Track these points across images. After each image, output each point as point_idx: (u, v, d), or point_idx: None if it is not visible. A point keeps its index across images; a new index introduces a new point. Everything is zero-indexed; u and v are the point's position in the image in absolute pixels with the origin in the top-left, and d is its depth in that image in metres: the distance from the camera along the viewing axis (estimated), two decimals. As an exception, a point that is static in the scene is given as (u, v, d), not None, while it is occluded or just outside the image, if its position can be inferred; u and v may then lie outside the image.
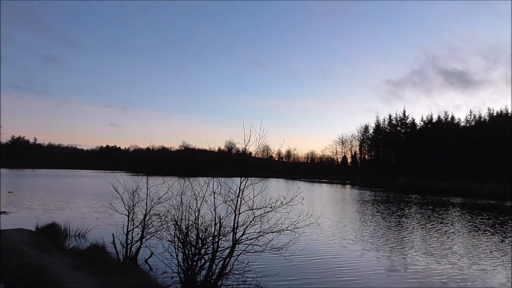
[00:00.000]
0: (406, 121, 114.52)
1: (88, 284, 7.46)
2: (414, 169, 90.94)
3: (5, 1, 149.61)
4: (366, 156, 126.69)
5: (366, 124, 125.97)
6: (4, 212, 20.66)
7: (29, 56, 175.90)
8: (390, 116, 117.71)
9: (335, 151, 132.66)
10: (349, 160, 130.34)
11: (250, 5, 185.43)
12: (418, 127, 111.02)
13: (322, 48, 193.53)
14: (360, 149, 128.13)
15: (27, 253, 9.74)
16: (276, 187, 51.45)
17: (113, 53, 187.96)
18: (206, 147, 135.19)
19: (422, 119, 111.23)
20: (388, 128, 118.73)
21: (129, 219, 11.16)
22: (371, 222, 22.19)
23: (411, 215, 26.25)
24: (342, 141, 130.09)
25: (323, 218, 21.96)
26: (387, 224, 21.64)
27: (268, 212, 9.21)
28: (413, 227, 20.82)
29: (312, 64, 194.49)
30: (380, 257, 13.55)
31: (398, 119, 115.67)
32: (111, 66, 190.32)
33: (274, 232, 9.17)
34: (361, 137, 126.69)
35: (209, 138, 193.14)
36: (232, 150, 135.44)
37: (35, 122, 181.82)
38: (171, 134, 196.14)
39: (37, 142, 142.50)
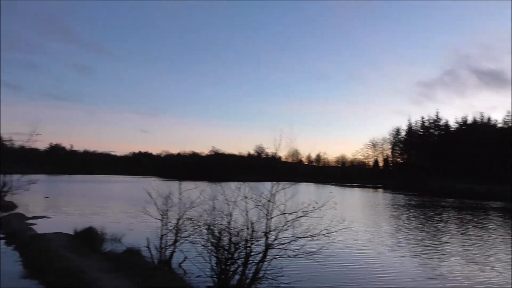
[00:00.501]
0: (439, 123, 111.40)
1: (124, 287, 7.62)
2: (449, 172, 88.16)
3: (38, 13, 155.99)
4: (398, 159, 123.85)
5: (397, 127, 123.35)
6: (44, 217, 21.44)
7: (63, 66, 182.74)
8: (422, 118, 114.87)
9: (366, 154, 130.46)
10: (380, 164, 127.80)
11: (275, 9, 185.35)
12: (452, 129, 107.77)
13: (349, 50, 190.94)
14: (392, 152, 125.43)
15: (66, 256, 10.05)
16: (307, 191, 51.05)
17: (141, 60, 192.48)
18: (236, 152, 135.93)
19: (456, 120, 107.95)
20: (421, 130, 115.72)
21: (163, 223, 11.33)
22: (408, 228, 21.62)
23: (449, 220, 25.43)
24: (374, 144, 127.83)
25: (357, 223, 21.57)
26: (425, 229, 21.01)
27: (300, 216, 9.14)
28: (453, 232, 20.14)
29: (339, 67, 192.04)
30: (419, 264, 13.12)
31: (431, 121, 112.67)
32: (140, 73, 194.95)
33: (307, 237, 9.08)
34: (393, 140, 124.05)
35: (238, 143, 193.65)
36: (262, 154, 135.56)
37: (70, 130, 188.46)
38: (200, 140, 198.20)
39: (73, 148, 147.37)
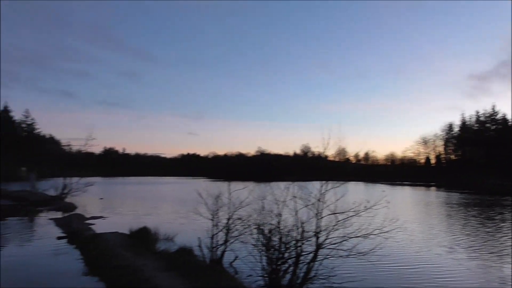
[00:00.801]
0: (496, 117, 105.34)
1: (178, 285, 7.84)
2: (506, 169, 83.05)
3: (88, 23, 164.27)
4: (452, 156, 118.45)
5: (450, 123, 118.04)
6: (101, 217, 22.51)
7: (112, 73, 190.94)
8: (477, 112, 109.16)
9: (417, 151, 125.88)
10: (432, 161, 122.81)
11: (318, 8, 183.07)
12: (510, 123, 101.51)
13: (395, 46, 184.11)
14: (444, 148, 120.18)
15: (123, 255, 10.49)
16: (356, 190, 50.06)
17: (186, 65, 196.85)
18: (281, 152, 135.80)
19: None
20: (476, 125, 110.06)
21: (213, 223, 11.55)
22: (465, 228, 20.60)
23: (507, 220, 23.97)
24: (425, 141, 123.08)
25: (410, 222, 20.86)
26: (487, 230, 19.91)
27: (351, 216, 8.99)
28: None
29: (385, 64, 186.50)
30: (479, 266, 12.47)
31: (487, 115, 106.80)
32: (185, 77, 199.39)
33: (359, 236, 8.91)
34: (445, 136, 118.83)
35: (284, 143, 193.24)
36: (308, 154, 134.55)
37: (122, 134, 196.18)
38: (246, 140, 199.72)
39: (125, 152, 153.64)
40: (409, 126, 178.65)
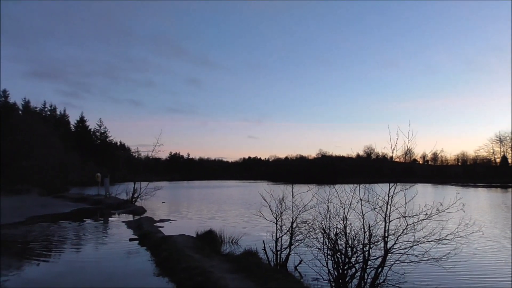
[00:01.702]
0: None
1: (246, 287, 7.92)
2: None
3: (153, 35, 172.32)
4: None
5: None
6: (169, 220, 23.43)
7: (176, 81, 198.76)
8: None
9: (491, 150, 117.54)
10: (510, 160, 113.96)
11: (377, 4, 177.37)
12: None
13: (465, 37, 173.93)
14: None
15: (192, 257, 10.81)
16: (426, 193, 47.68)
17: (245, 69, 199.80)
18: (344, 154, 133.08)
19: None
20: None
21: (278, 226, 11.55)
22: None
23: None
24: (500, 138, 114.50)
25: (488, 227, 19.45)
26: None
27: (422, 220, 8.56)
28: None
29: (454, 57, 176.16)
30: None
31: None
32: (245, 82, 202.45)
33: (431, 241, 8.47)
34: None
35: (346, 145, 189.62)
36: (372, 155, 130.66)
37: (186, 139, 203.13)
38: (307, 143, 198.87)
39: (190, 157, 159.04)
40: (481, 123, 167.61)
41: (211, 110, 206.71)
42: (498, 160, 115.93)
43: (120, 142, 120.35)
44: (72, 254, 13.92)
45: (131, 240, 16.05)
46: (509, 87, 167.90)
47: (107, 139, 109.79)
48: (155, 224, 20.92)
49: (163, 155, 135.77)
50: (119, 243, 15.53)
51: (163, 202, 35.04)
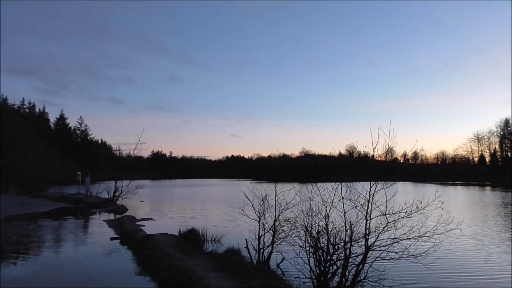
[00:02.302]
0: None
1: (228, 286, 7.92)
2: None
3: (132, 31, 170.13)
4: (509, 154, 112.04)
5: (506, 118, 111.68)
6: (151, 219, 23.24)
7: (156, 78, 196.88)
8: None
9: (470, 149, 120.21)
10: (487, 159, 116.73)
11: (360, 4, 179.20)
12: None
13: (444, 37, 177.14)
14: (500, 146, 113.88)
15: (174, 256, 10.75)
16: (406, 191, 48.47)
17: (227, 67, 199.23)
18: (326, 152, 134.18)
19: None
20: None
21: (260, 224, 11.58)
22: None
23: None
24: (478, 138, 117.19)
25: (466, 224, 19.88)
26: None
27: (402, 217, 8.71)
28: None
29: (433, 56, 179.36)
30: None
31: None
32: (227, 79, 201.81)
33: (411, 238, 8.61)
34: (501, 133, 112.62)
35: (328, 143, 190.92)
36: (353, 154, 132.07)
37: (168, 138, 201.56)
38: (290, 141, 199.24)
39: (173, 155, 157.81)
40: (460, 122, 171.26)
41: (193, 108, 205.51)
42: (476, 159, 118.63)
43: (102, 140, 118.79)
44: (51, 254, 13.66)
45: (112, 239, 15.87)
46: (484, 87, 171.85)
47: (88, 137, 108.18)
48: (136, 223, 20.72)
49: (145, 153, 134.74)
50: (100, 242, 15.33)
51: (141, 201, 34.44)
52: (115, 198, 33.37)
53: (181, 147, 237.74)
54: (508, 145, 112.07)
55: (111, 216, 24.68)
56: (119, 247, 14.27)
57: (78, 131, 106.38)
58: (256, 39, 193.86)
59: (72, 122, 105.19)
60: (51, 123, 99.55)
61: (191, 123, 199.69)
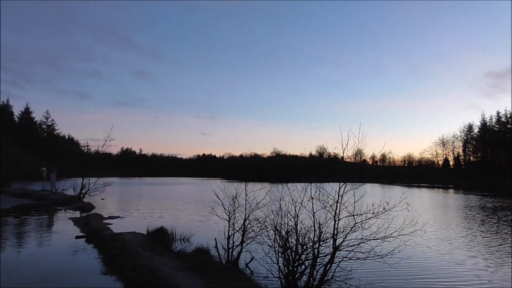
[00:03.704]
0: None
1: (196, 285, 7.86)
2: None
3: (99, 24, 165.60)
4: (471, 158, 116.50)
5: (470, 123, 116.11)
6: (119, 217, 22.78)
7: (124, 73, 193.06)
8: (498, 112, 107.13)
9: (435, 153, 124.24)
10: (451, 163, 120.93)
11: (331, 5, 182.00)
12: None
13: (410, 42, 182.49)
14: (463, 150, 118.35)
15: (142, 255, 10.57)
16: (374, 192, 49.54)
17: (197, 64, 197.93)
18: (297, 153, 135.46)
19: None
20: (497, 126, 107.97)
21: (230, 224, 11.56)
22: (482, 231, 20.21)
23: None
24: (443, 142, 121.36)
25: (430, 225, 20.52)
26: (500, 233, 19.49)
27: (369, 218, 8.89)
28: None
29: (401, 61, 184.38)
30: (494, 270, 12.21)
31: (508, 115, 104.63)
32: (197, 77, 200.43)
33: (377, 239, 8.81)
34: (465, 137, 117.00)
35: (300, 144, 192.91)
36: (324, 155, 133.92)
37: (137, 134, 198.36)
38: (261, 141, 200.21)
39: (142, 152, 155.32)
40: (427, 126, 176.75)
41: (163, 105, 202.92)
42: (440, 163, 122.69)
43: (69, 136, 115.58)
44: (10, 253, 13.10)
45: (77, 237, 15.44)
46: (449, 92, 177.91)
47: (55, 132, 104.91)
48: (104, 221, 20.27)
49: (115, 150, 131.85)
50: (64, 241, 14.89)
51: (102, 199, 33.24)
52: (81, 195, 32.51)
53: (151, 144, 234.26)
54: (470, 149, 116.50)
55: (77, 214, 24.02)
56: (85, 246, 13.91)
57: (44, 126, 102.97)
58: (228, 37, 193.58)
59: (37, 116, 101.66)
60: (15, 117, 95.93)
61: (160, 120, 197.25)
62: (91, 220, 19.18)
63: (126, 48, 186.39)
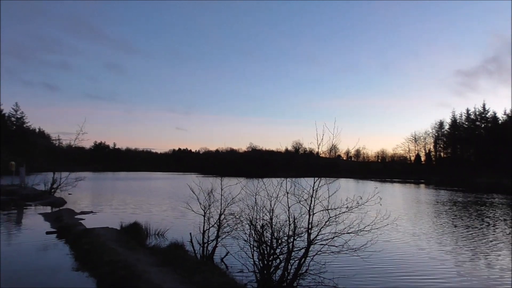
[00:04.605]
0: (487, 115, 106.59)
1: (171, 281, 7.81)
2: (497, 167, 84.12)
3: (67, 14, 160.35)
4: (442, 154, 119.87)
5: (441, 120, 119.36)
6: (91, 212, 22.35)
7: (95, 65, 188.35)
8: (467, 110, 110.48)
9: (407, 149, 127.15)
10: (423, 159, 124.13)
11: (306, 2, 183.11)
12: (500, 121, 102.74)
13: (383, 40, 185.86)
14: (435, 146, 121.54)
15: (115, 250, 10.41)
16: (348, 187, 50.31)
17: (172, 58, 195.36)
18: (273, 148, 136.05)
19: (505, 112, 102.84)
20: (466, 123, 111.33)
21: (205, 218, 11.52)
22: (450, 225, 20.88)
23: (496, 218, 24.28)
24: (415, 138, 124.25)
25: (401, 219, 21.01)
26: (473, 228, 20.18)
27: (343, 212, 9.02)
28: (500, 231, 19.23)
29: (375, 59, 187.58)
30: (460, 262, 12.67)
31: (477, 113, 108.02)
32: (171, 71, 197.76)
33: (351, 232, 8.95)
34: (436, 134, 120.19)
35: (276, 139, 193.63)
36: (299, 150, 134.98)
37: (110, 128, 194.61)
38: (238, 136, 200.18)
39: (116, 147, 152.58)
40: (399, 122, 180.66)
41: (136, 99, 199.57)
42: (413, 158, 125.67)
43: (39, 129, 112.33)
44: (-21, 249, 12.67)
45: (48, 233, 15.07)
46: (421, 90, 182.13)
47: (24, 125, 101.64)
48: (76, 217, 19.85)
49: (87, 144, 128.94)
50: (34, 237, 14.50)
51: (69, 194, 32.27)
52: (52, 190, 31.70)
53: (125, 138, 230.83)
54: (441, 145, 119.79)
55: (48, 209, 23.44)
56: (56, 242, 13.60)
57: (13, 119, 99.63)
58: (204, 32, 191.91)
59: (6, 108, 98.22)
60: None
61: (134, 114, 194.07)
62: (62, 216, 18.75)
63: (96, 39, 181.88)
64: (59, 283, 8.84)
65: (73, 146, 38.14)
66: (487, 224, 21.08)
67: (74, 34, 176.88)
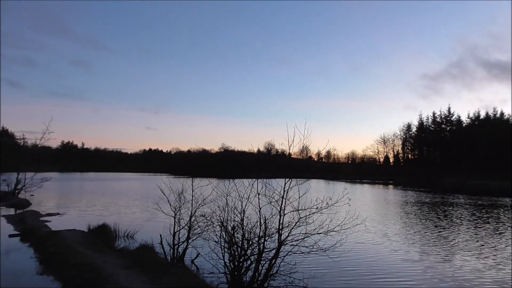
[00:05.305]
0: (452, 119, 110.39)
1: (139, 283, 7.68)
2: (461, 168, 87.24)
3: (32, 8, 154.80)
4: (410, 156, 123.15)
5: (408, 123, 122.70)
6: (57, 214, 21.71)
7: (61, 62, 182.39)
8: (434, 113, 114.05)
9: (376, 150, 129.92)
10: (391, 160, 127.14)
11: (279, 4, 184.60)
12: (464, 124, 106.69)
13: (353, 43, 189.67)
14: (402, 148, 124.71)
15: (82, 253, 10.15)
16: (319, 188, 50.92)
17: (142, 56, 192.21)
18: (245, 149, 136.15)
19: (468, 115, 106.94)
20: (432, 126, 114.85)
21: (176, 220, 11.38)
22: (419, 225, 21.49)
23: (463, 217, 25.16)
24: (384, 140, 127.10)
25: (370, 220, 21.47)
26: (438, 227, 20.84)
27: (313, 213, 9.11)
28: (466, 230, 19.93)
29: (344, 61, 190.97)
30: (430, 262, 13.05)
31: (443, 116, 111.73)
32: (141, 69, 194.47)
33: (320, 233, 9.04)
34: (404, 136, 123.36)
35: (247, 140, 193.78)
36: (271, 151, 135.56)
37: (77, 127, 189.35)
38: (210, 137, 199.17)
39: (85, 146, 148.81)
40: (369, 124, 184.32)
41: (105, 97, 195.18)
42: (382, 160, 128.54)
43: (3, 128, 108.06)
44: None
45: (11, 236, 14.52)
46: (389, 93, 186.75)
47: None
48: (41, 219, 19.24)
49: (54, 143, 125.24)
50: (-4, 240, 13.94)
51: (31, 195, 31.28)
52: (16, 191, 30.59)
53: (94, 138, 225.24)
54: (409, 147, 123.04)
55: (11, 211, 22.60)
56: (20, 245, 13.11)
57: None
58: (175, 31, 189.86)
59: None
60: None
61: (103, 113, 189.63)
62: (26, 218, 18.13)
63: (61, 35, 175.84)
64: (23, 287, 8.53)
65: (39, 145, 36.90)
66: (455, 224, 21.81)
67: (39, 28, 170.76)
